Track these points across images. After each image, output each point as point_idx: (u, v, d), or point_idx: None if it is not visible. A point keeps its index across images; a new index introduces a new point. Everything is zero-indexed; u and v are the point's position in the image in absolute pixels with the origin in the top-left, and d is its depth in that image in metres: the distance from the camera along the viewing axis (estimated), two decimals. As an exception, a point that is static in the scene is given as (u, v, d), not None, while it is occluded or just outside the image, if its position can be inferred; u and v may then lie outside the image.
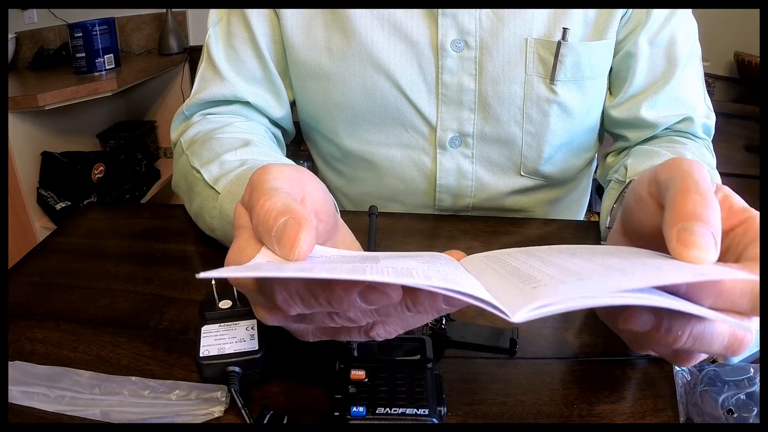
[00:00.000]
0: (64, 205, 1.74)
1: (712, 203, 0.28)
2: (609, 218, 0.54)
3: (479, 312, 0.27)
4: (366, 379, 0.33)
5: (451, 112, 0.64)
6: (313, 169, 0.80)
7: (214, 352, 0.37)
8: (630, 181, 0.51)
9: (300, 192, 0.33)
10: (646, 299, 0.23)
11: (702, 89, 0.66)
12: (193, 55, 2.17)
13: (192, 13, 2.25)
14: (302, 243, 0.28)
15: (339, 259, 0.31)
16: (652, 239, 0.32)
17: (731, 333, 0.27)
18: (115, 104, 2.22)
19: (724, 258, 0.28)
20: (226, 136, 0.57)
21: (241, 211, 0.32)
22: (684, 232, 0.27)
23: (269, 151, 0.55)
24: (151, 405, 0.36)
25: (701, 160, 0.59)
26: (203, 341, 0.38)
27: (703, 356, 0.31)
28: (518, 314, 0.23)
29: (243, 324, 0.39)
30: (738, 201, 0.30)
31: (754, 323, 0.27)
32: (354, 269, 0.25)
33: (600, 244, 0.57)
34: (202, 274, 0.24)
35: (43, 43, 2.18)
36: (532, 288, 0.25)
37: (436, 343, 0.39)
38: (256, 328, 0.39)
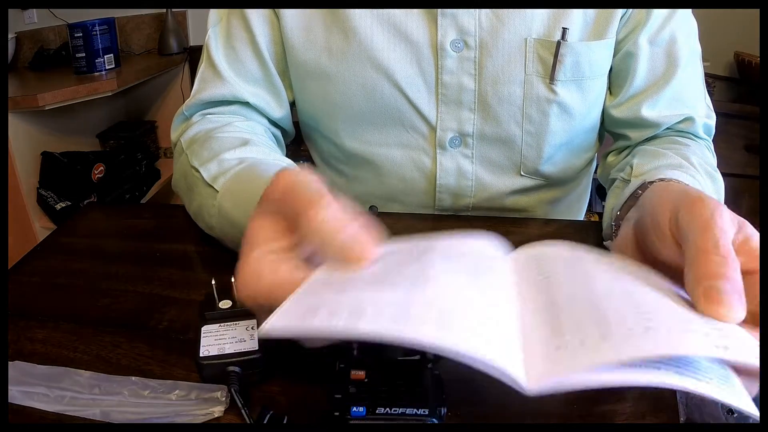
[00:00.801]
0: (64, 205, 1.74)
1: (733, 263, 0.28)
2: (613, 218, 0.54)
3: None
4: (366, 379, 0.33)
5: (451, 112, 0.64)
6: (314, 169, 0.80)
7: (214, 352, 0.37)
8: (642, 183, 0.50)
9: None
10: (655, 378, 0.24)
11: (702, 89, 0.66)
12: (193, 55, 2.17)
13: (192, 13, 2.25)
14: (372, 251, 0.30)
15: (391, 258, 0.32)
16: (665, 264, 0.34)
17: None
18: (115, 104, 2.22)
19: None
20: (225, 135, 0.57)
21: (263, 223, 0.33)
22: (711, 290, 0.28)
23: (268, 151, 0.56)
24: (151, 405, 0.36)
25: (703, 161, 0.58)
26: (203, 341, 0.38)
27: None
28: (533, 385, 0.25)
29: (243, 324, 0.39)
30: (756, 244, 0.31)
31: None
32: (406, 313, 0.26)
33: (602, 242, 0.57)
34: (267, 329, 0.27)
35: (43, 43, 2.18)
36: (555, 349, 0.26)
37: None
38: (256, 328, 0.39)
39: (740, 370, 0.26)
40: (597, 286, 0.31)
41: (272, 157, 0.54)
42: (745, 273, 0.30)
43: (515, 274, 0.34)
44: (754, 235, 0.31)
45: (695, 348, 0.24)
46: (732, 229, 0.31)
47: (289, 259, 0.33)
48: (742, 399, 0.25)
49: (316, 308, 0.27)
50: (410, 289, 0.28)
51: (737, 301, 0.27)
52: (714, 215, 0.30)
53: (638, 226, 0.37)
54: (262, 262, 0.32)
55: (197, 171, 0.53)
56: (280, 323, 0.27)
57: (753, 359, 0.25)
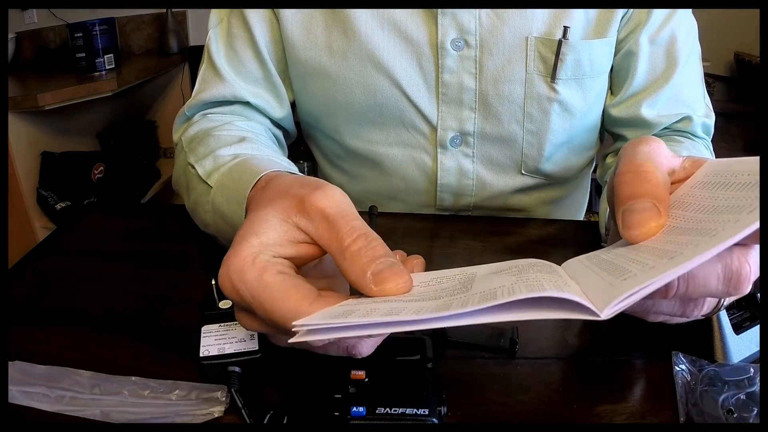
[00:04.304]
0: (64, 205, 1.74)
1: (644, 175, 0.29)
2: (606, 220, 0.54)
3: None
4: (366, 379, 0.33)
5: (452, 111, 0.64)
6: (314, 168, 0.80)
7: (214, 352, 0.37)
8: None
9: None
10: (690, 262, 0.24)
11: (702, 88, 0.66)
12: (193, 56, 2.17)
13: (192, 13, 2.25)
14: (406, 285, 0.29)
15: (430, 290, 0.30)
16: None
17: (725, 266, 0.27)
18: (115, 104, 2.22)
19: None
20: (223, 133, 0.57)
21: (274, 222, 0.32)
22: (625, 214, 0.29)
23: (265, 149, 0.55)
24: (151, 405, 0.36)
25: (697, 155, 0.58)
26: (203, 341, 0.38)
27: (711, 303, 0.32)
28: (606, 311, 0.24)
29: (243, 324, 0.39)
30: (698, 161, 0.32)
31: (753, 255, 0.27)
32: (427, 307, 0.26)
33: (600, 244, 0.57)
34: (298, 328, 0.26)
35: (43, 43, 2.18)
36: (622, 281, 0.26)
37: (436, 343, 0.39)
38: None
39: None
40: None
41: (268, 155, 0.54)
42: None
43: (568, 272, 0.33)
44: (698, 161, 0.32)
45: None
46: (667, 162, 0.32)
47: (290, 269, 0.31)
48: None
49: (349, 312, 0.26)
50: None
51: (649, 216, 0.28)
52: (634, 146, 0.31)
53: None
54: (263, 255, 0.30)
55: (193, 167, 0.53)
56: (314, 321, 0.26)
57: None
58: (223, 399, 0.36)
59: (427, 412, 0.31)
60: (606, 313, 0.24)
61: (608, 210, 0.54)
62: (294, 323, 0.27)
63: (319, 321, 0.26)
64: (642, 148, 0.31)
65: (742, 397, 0.35)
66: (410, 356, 0.35)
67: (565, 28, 0.60)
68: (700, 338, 0.40)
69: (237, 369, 0.37)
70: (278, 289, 0.29)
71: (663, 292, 0.28)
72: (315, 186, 0.33)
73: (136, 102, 2.30)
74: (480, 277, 0.31)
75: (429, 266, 0.35)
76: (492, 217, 0.66)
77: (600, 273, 0.28)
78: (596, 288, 0.26)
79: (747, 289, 0.28)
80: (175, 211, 0.64)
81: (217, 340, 0.38)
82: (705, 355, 0.39)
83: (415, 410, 0.31)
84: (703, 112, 0.65)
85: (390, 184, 0.70)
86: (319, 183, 0.33)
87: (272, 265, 0.30)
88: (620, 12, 0.61)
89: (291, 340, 0.27)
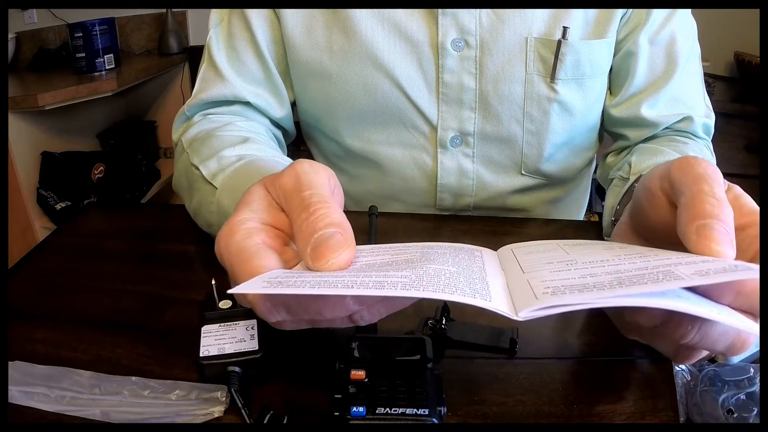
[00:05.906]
0: (64, 205, 1.74)
1: (727, 208, 0.29)
2: (613, 215, 0.54)
3: (479, 312, 0.27)
4: (366, 379, 0.33)
5: (452, 111, 0.64)
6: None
7: (214, 352, 0.37)
8: (638, 177, 0.50)
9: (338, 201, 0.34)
10: (657, 302, 0.23)
11: (702, 89, 0.66)
12: (193, 55, 2.17)
13: (192, 13, 2.25)
14: (341, 259, 0.29)
15: (373, 265, 0.30)
16: (660, 235, 0.33)
17: (736, 333, 0.27)
18: (115, 104, 2.22)
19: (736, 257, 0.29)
20: (226, 134, 0.57)
21: (263, 194, 0.33)
22: (704, 228, 0.28)
23: (268, 149, 0.55)
24: (151, 405, 0.36)
25: (702, 157, 0.59)
26: (203, 341, 0.38)
27: (704, 354, 0.31)
28: (522, 313, 0.25)
29: (243, 324, 0.39)
30: (748, 202, 0.31)
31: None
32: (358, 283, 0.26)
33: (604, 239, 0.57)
34: (234, 290, 0.27)
35: (43, 43, 2.18)
36: (542, 292, 0.26)
37: (436, 343, 0.39)
38: (256, 328, 0.39)
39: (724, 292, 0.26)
40: (582, 258, 0.30)
41: (272, 155, 0.54)
42: (737, 229, 0.29)
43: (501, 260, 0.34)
44: (744, 195, 0.32)
45: (695, 279, 0.24)
46: (723, 184, 0.31)
47: (267, 234, 0.32)
48: (743, 321, 0.25)
49: (279, 283, 0.27)
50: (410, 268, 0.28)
51: (728, 240, 0.27)
52: (707, 171, 0.31)
53: (632, 207, 0.37)
54: (251, 222, 0.32)
55: (197, 168, 0.54)
56: (249, 287, 0.27)
57: (755, 274, 0.24)
58: (223, 399, 0.36)
59: (427, 412, 0.31)
60: (523, 315, 0.25)
61: (613, 206, 0.54)
62: (231, 290, 0.28)
63: (253, 286, 0.27)
64: (714, 177, 0.30)
65: (742, 397, 0.35)
66: (410, 356, 0.35)
67: (565, 29, 0.60)
68: (700, 338, 0.39)
69: (237, 369, 0.37)
70: (247, 254, 0.30)
71: (674, 333, 0.27)
72: (291, 163, 0.34)
73: (136, 102, 2.30)
74: (430, 257, 0.31)
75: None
76: (492, 217, 0.66)
77: (542, 269, 0.28)
78: (522, 289, 0.27)
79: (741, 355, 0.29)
80: (175, 211, 0.64)
81: (217, 340, 0.38)
82: (705, 355, 0.39)
83: (415, 410, 0.31)
84: (703, 113, 0.65)
85: (390, 184, 0.70)
86: (297, 161, 0.34)
87: (256, 232, 0.32)
88: (619, 12, 0.61)
89: (229, 291, 0.28)
